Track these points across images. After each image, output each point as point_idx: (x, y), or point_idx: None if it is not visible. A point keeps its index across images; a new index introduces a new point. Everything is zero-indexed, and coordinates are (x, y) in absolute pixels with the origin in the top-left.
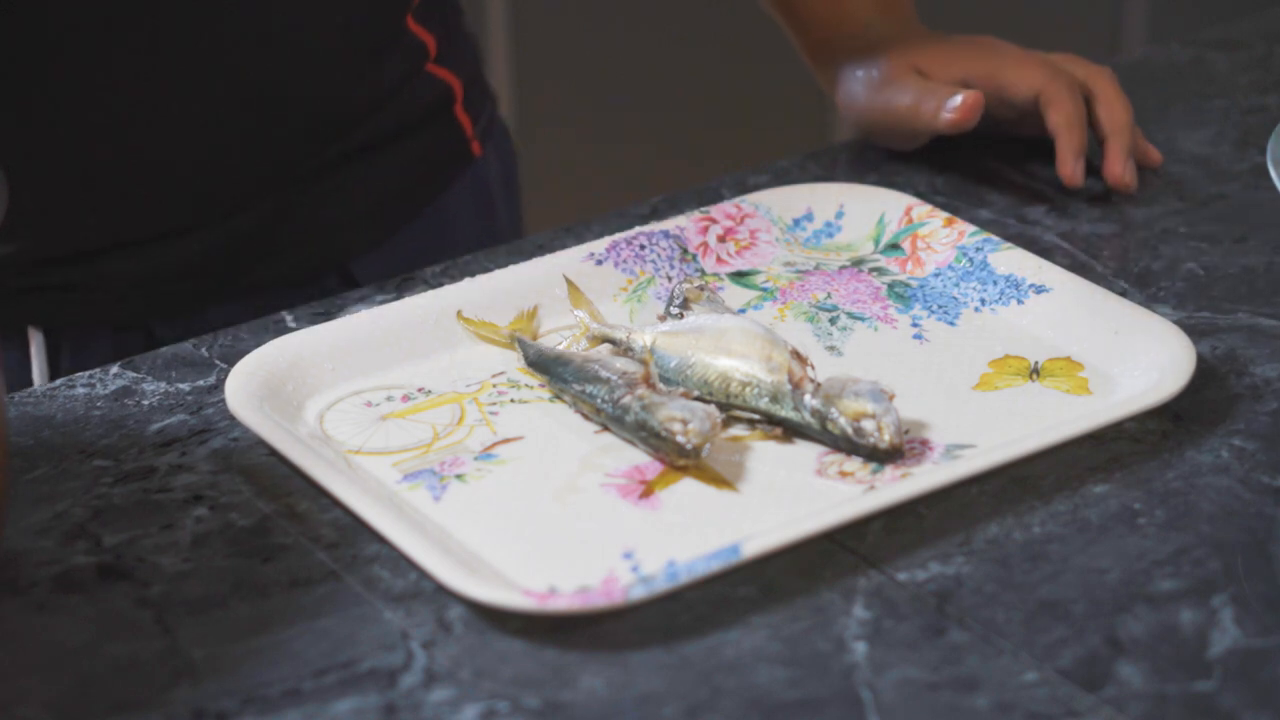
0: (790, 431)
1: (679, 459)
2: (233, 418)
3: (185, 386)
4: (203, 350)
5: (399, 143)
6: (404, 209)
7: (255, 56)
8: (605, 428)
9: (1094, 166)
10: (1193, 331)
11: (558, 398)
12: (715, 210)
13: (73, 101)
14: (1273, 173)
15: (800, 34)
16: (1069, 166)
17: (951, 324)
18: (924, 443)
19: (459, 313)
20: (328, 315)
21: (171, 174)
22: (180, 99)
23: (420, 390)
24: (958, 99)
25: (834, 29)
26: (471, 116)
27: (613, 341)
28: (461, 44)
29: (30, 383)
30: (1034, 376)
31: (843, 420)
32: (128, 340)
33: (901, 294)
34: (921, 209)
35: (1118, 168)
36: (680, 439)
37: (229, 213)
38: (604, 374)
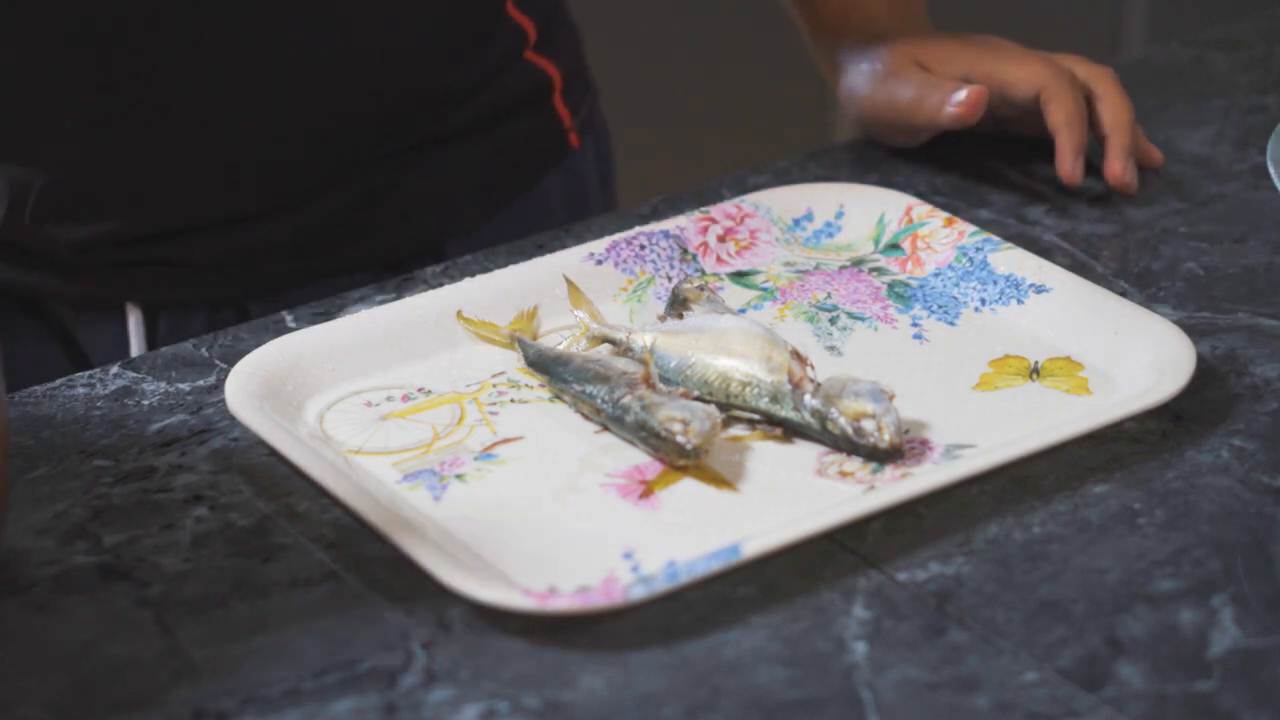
0: (790, 431)
1: (679, 459)
2: (233, 418)
3: (185, 386)
4: (203, 350)
5: (495, 129)
6: (498, 196)
7: (354, 36)
8: (605, 428)
9: (1094, 166)
10: (1193, 331)
11: (558, 398)
12: (715, 210)
13: (174, 78)
14: (1273, 173)
15: (812, 25)
16: (1068, 165)
17: (951, 324)
18: (924, 443)
19: (459, 313)
20: (328, 315)
21: (269, 152)
22: (279, 77)
23: (420, 390)
24: (962, 93)
25: (843, 20)
26: (571, 108)
27: (613, 341)
28: (563, 33)
29: (129, 356)
30: (1034, 376)
31: (843, 420)
32: (222, 318)
33: (901, 294)
34: (921, 209)
35: (1117, 167)
36: (680, 439)
37: (323, 192)
38: (604, 374)
